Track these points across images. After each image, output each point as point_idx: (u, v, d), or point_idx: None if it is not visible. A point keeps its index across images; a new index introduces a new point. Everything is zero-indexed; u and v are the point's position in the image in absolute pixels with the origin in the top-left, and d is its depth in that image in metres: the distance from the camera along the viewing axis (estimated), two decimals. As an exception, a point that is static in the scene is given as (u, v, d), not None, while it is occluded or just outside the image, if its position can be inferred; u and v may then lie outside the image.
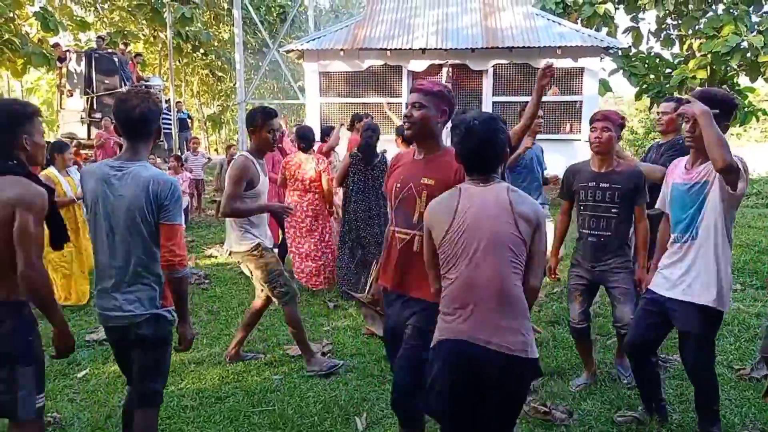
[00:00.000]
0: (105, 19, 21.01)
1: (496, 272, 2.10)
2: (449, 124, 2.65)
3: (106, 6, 20.46)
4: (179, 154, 11.94)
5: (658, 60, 17.05)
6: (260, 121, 3.69)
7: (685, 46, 16.88)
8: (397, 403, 2.56)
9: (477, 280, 2.12)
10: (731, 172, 2.57)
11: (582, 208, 3.50)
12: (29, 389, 2.22)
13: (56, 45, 14.90)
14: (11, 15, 13.94)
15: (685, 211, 2.83)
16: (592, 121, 3.47)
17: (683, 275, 2.84)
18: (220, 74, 25.52)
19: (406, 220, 2.52)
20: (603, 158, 3.43)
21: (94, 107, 13.75)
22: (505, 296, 2.11)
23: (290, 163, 5.69)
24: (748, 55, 14.47)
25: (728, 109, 2.80)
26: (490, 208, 2.15)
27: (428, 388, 2.23)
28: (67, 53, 14.38)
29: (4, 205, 2.14)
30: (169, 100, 16.33)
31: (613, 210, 3.38)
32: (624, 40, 16.79)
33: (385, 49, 11.69)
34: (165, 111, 14.84)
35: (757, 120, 16.97)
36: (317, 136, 6.60)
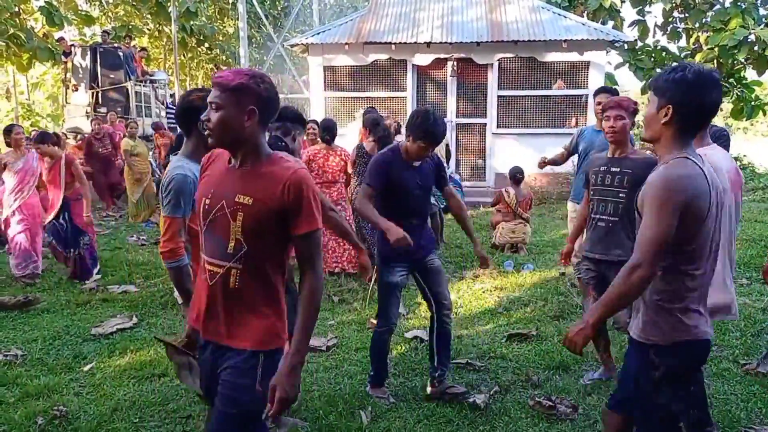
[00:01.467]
0: (110, 14, 21.06)
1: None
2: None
3: (110, 0, 20.49)
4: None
5: (664, 53, 16.93)
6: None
7: (692, 40, 16.76)
8: None
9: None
10: None
11: (593, 192, 3.49)
12: None
13: (61, 39, 14.95)
14: (16, 9, 13.98)
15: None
16: (604, 109, 3.43)
17: None
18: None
19: (219, 249, 1.90)
20: (618, 146, 3.43)
21: (99, 102, 13.79)
22: None
23: (318, 156, 5.91)
24: (756, 48, 14.37)
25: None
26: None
27: (688, 397, 2.05)
28: (72, 48, 14.42)
29: None
30: (173, 94, 16.33)
31: (620, 195, 3.33)
32: (630, 34, 16.70)
33: (390, 43, 11.65)
34: (169, 105, 14.88)
35: (764, 114, 16.84)
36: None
